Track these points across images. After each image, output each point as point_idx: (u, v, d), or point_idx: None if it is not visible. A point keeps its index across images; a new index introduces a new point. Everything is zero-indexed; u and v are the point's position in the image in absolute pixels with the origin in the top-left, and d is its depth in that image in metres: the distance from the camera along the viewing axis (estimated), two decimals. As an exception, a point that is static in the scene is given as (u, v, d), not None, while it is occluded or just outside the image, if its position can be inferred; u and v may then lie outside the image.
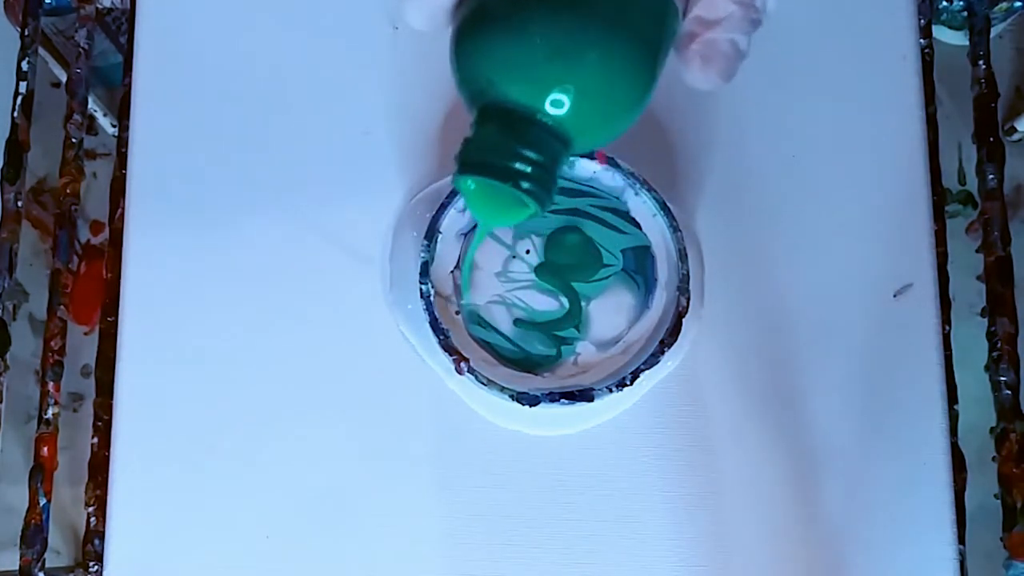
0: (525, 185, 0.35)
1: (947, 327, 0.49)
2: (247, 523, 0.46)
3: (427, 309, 0.45)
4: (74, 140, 0.54)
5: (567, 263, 0.47)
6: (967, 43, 0.55)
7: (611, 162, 0.47)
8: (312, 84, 0.51)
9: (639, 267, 0.47)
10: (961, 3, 0.57)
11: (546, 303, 0.47)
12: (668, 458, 0.47)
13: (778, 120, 0.50)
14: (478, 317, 0.46)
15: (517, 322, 0.46)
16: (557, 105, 0.34)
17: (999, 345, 0.50)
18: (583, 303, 0.47)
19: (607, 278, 0.47)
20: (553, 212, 0.47)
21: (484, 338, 0.46)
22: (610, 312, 0.47)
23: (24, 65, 0.55)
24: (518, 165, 0.35)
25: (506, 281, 0.47)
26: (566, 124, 0.35)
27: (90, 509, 0.48)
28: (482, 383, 0.44)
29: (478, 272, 0.47)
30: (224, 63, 0.51)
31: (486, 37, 0.35)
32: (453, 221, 0.47)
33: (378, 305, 0.48)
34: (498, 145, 0.35)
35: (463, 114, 0.50)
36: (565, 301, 0.47)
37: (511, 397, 0.44)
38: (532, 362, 0.46)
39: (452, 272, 0.46)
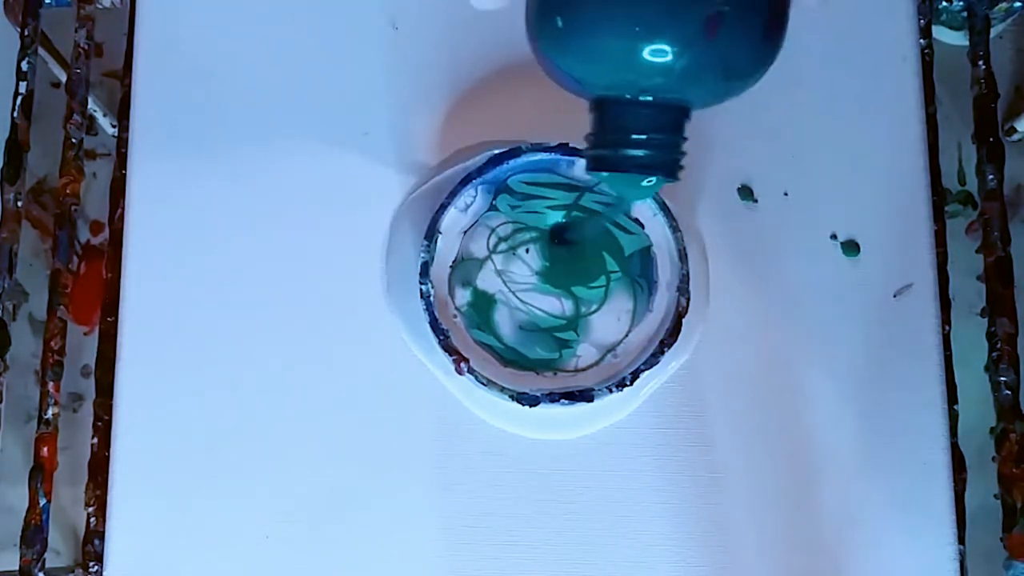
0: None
1: (947, 327, 0.49)
2: (247, 523, 0.46)
3: (427, 309, 0.45)
4: (74, 140, 0.54)
5: (569, 269, 0.47)
6: (967, 43, 0.55)
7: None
8: (312, 84, 0.51)
9: (643, 271, 0.47)
10: (961, 3, 0.57)
11: (549, 304, 0.47)
12: (668, 458, 0.47)
13: (778, 120, 0.50)
14: (478, 320, 0.46)
15: (521, 328, 0.46)
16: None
17: (999, 345, 0.50)
18: (584, 309, 0.47)
19: (609, 284, 0.47)
20: (552, 208, 0.47)
21: (483, 341, 0.46)
22: (611, 317, 0.47)
23: (24, 65, 0.55)
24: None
25: (508, 281, 0.47)
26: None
27: (90, 509, 0.48)
28: (482, 383, 0.44)
29: (471, 261, 0.47)
30: (224, 63, 0.51)
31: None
32: (453, 220, 0.47)
33: (378, 305, 0.48)
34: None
35: (463, 115, 0.51)
36: (568, 304, 0.47)
37: (511, 397, 0.44)
38: (532, 364, 0.46)
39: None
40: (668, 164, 0.36)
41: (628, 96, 0.34)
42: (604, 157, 0.36)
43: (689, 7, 0.32)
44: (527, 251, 0.47)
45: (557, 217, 0.47)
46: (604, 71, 0.34)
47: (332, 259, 0.49)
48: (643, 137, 0.35)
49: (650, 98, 0.34)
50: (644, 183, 0.37)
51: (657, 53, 0.32)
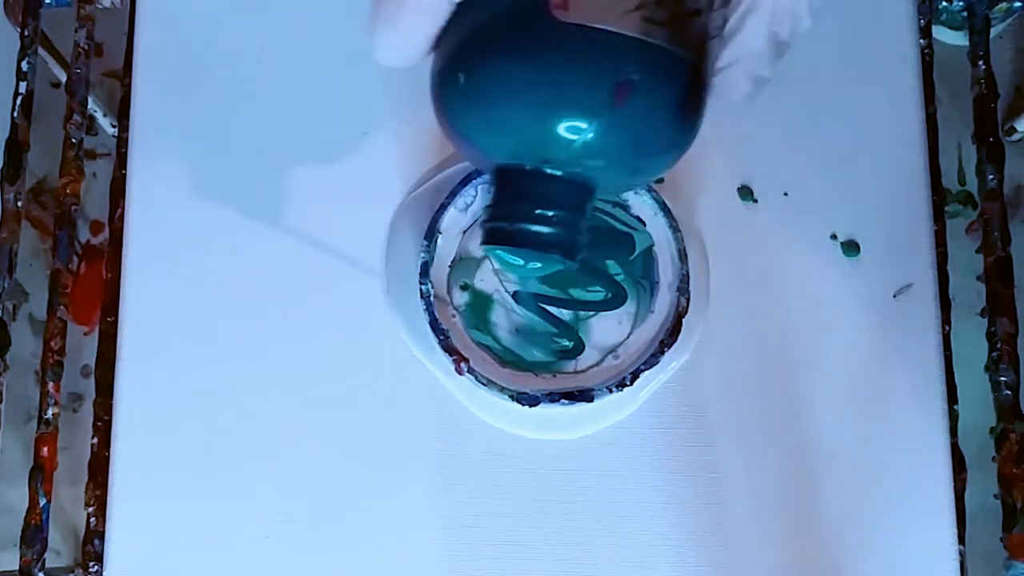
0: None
1: (947, 327, 0.49)
2: (247, 523, 0.46)
3: (427, 309, 0.45)
4: (74, 140, 0.54)
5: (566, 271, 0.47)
6: (967, 43, 0.55)
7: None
8: (312, 84, 0.51)
9: (646, 272, 0.47)
10: (961, 3, 0.57)
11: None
12: (668, 458, 0.47)
13: (778, 120, 0.50)
14: (475, 320, 0.46)
15: (518, 331, 0.46)
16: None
17: (999, 345, 0.50)
18: (583, 314, 0.46)
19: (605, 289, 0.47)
20: None
21: (481, 342, 0.46)
22: (612, 320, 0.47)
23: (24, 65, 0.55)
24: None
25: (505, 280, 0.47)
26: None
27: (90, 509, 0.48)
28: (482, 383, 0.44)
29: (469, 260, 0.47)
30: (224, 63, 0.51)
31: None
32: (453, 220, 0.47)
33: (378, 306, 0.48)
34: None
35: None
36: (565, 312, 0.47)
37: (511, 397, 0.44)
38: (530, 367, 0.46)
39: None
40: (567, 244, 0.33)
41: (530, 167, 0.32)
42: (500, 230, 0.34)
43: (598, 73, 0.30)
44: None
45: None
46: (506, 138, 0.32)
47: (332, 259, 0.49)
48: (545, 213, 0.33)
49: (556, 171, 0.32)
50: (533, 264, 0.35)
51: (562, 120, 0.30)
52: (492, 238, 0.34)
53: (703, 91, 0.33)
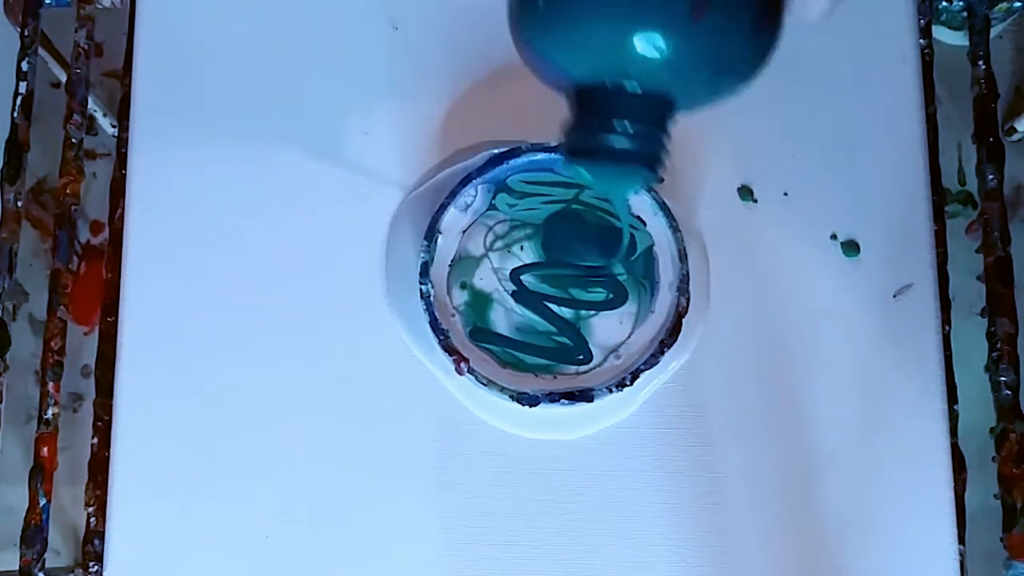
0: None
1: (947, 327, 0.49)
2: (247, 523, 0.46)
3: (427, 309, 0.45)
4: (74, 140, 0.54)
5: (568, 270, 0.47)
6: (967, 43, 0.55)
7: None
8: (312, 84, 0.51)
9: (647, 272, 0.47)
10: (961, 3, 0.57)
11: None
12: (668, 458, 0.47)
13: (778, 120, 0.50)
14: (475, 319, 0.46)
15: (519, 330, 0.46)
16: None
17: (999, 345, 0.50)
18: (584, 312, 0.47)
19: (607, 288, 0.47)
20: (548, 203, 0.47)
21: (482, 343, 0.46)
22: (613, 319, 0.47)
23: (24, 65, 0.55)
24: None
25: (504, 279, 0.47)
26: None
27: (90, 509, 0.48)
28: (482, 383, 0.44)
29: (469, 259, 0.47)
30: (224, 63, 0.51)
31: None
32: (453, 220, 0.47)
33: (378, 305, 0.48)
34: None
35: (463, 115, 0.51)
36: (565, 309, 0.47)
37: (511, 397, 0.44)
38: (530, 368, 0.46)
39: None
40: (649, 156, 0.34)
41: (610, 83, 0.33)
42: (583, 144, 0.34)
43: None
44: (521, 248, 0.47)
45: (551, 209, 0.47)
46: (585, 54, 0.32)
47: (332, 259, 0.49)
48: (624, 124, 0.33)
49: (635, 87, 0.32)
50: (623, 175, 0.35)
51: (640, 34, 0.31)
52: (573, 154, 0.34)
53: (780, 6, 0.33)
